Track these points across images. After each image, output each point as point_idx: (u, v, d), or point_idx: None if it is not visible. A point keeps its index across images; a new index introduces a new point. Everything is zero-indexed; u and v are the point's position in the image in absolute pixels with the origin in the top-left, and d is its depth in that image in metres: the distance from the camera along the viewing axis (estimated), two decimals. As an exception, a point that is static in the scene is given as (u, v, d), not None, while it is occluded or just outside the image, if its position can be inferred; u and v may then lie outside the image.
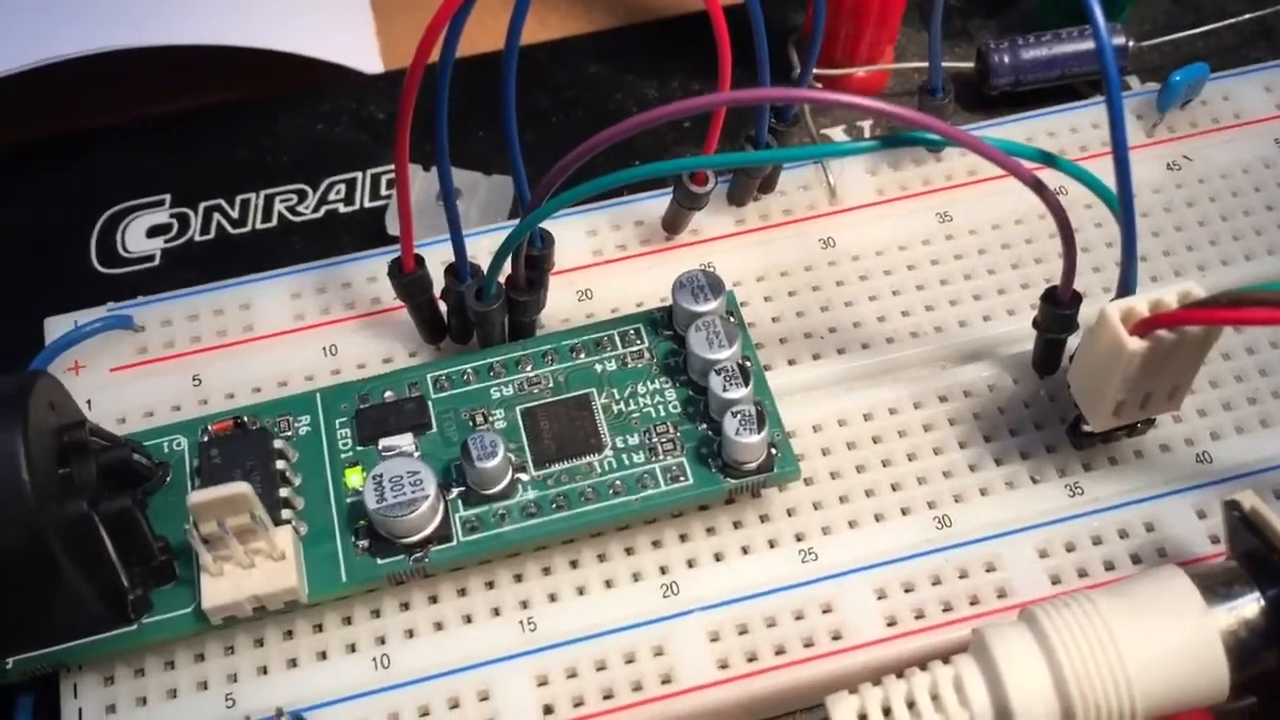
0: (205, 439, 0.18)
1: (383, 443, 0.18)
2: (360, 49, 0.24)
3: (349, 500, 0.17)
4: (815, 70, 0.22)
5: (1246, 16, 0.23)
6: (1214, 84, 0.22)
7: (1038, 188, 0.16)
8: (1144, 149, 0.21)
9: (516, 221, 0.17)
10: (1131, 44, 0.23)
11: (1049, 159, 0.16)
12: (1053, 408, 0.19)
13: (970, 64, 0.23)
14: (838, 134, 0.23)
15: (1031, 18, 0.24)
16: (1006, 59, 0.22)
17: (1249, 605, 0.15)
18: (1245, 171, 0.21)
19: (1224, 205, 0.21)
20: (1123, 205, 0.15)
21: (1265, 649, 0.15)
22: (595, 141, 0.15)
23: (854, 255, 0.20)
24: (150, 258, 0.22)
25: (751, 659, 0.17)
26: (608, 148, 0.16)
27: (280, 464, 0.17)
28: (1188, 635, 0.15)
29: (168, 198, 0.22)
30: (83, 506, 0.16)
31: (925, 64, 0.22)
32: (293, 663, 0.17)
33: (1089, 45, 0.22)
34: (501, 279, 0.18)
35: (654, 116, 0.15)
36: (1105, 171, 0.16)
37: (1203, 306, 0.16)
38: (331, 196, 0.22)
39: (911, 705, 0.16)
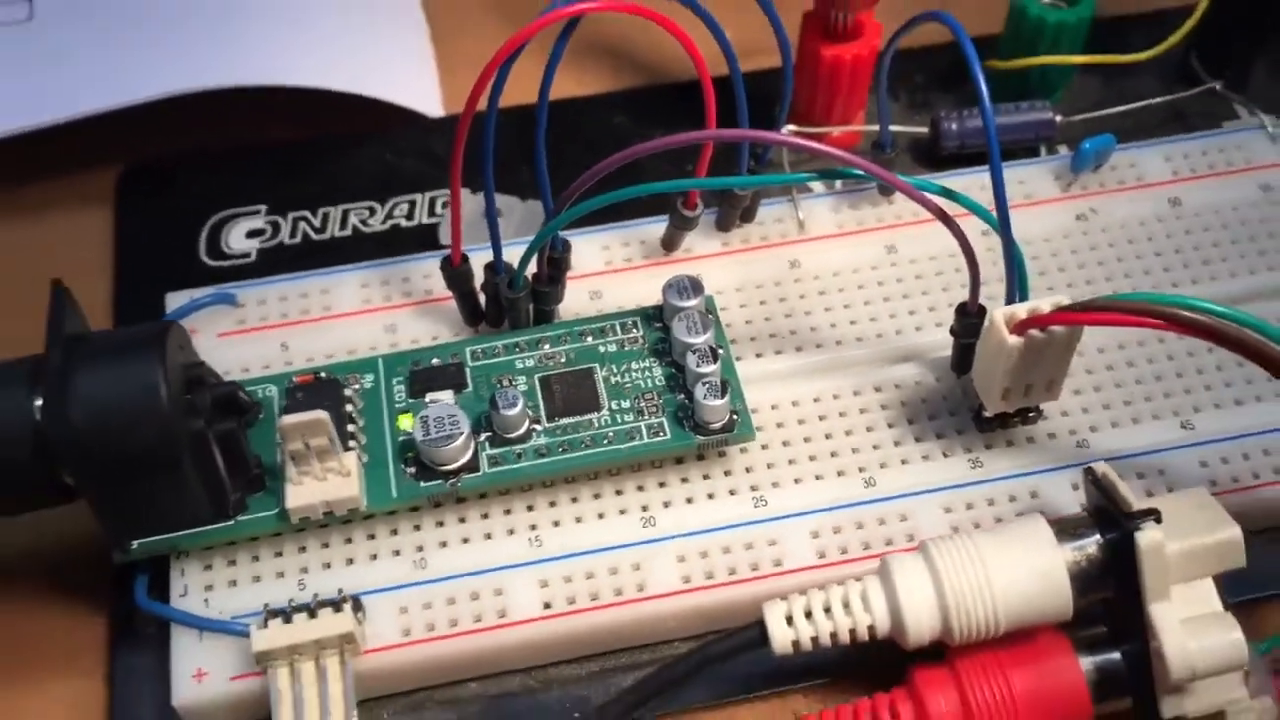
0: (291, 386, 0.22)
1: (429, 396, 0.22)
2: (425, 96, 0.29)
3: (400, 439, 0.22)
4: (797, 127, 0.27)
5: (1160, 100, 0.28)
6: (1122, 152, 0.26)
7: (941, 215, 0.20)
8: (1058, 202, 0.26)
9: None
10: (1059, 118, 0.27)
11: (949, 193, 0.21)
12: (963, 400, 0.23)
13: (926, 129, 0.28)
14: (816, 185, 0.27)
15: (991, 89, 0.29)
16: (954, 126, 0.27)
17: (1091, 545, 0.20)
18: (1141, 224, 0.26)
19: (1120, 250, 0.25)
20: (1003, 229, 0.20)
21: (1101, 579, 0.20)
22: (605, 164, 0.20)
23: (815, 275, 0.25)
24: (248, 255, 0.27)
25: (709, 577, 0.21)
26: (616, 171, 0.21)
27: (349, 408, 0.22)
28: (1041, 564, 0.20)
29: (263, 208, 0.27)
30: (201, 425, 0.20)
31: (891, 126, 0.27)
32: (350, 560, 0.22)
33: (1021, 118, 0.27)
34: (528, 274, 0.23)
35: (653, 146, 0.20)
36: (1023, 218, 0.21)
37: (1065, 310, 0.20)
38: (396, 213, 0.27)
39: (828, 610, 0.20)
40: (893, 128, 0.27)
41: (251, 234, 0.27)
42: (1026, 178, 0.26)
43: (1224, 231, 0.25)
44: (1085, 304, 0.20)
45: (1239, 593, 0.22)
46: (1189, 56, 0.29)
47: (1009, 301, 0.21)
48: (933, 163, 0.28)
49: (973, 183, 0.26)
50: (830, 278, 0.25)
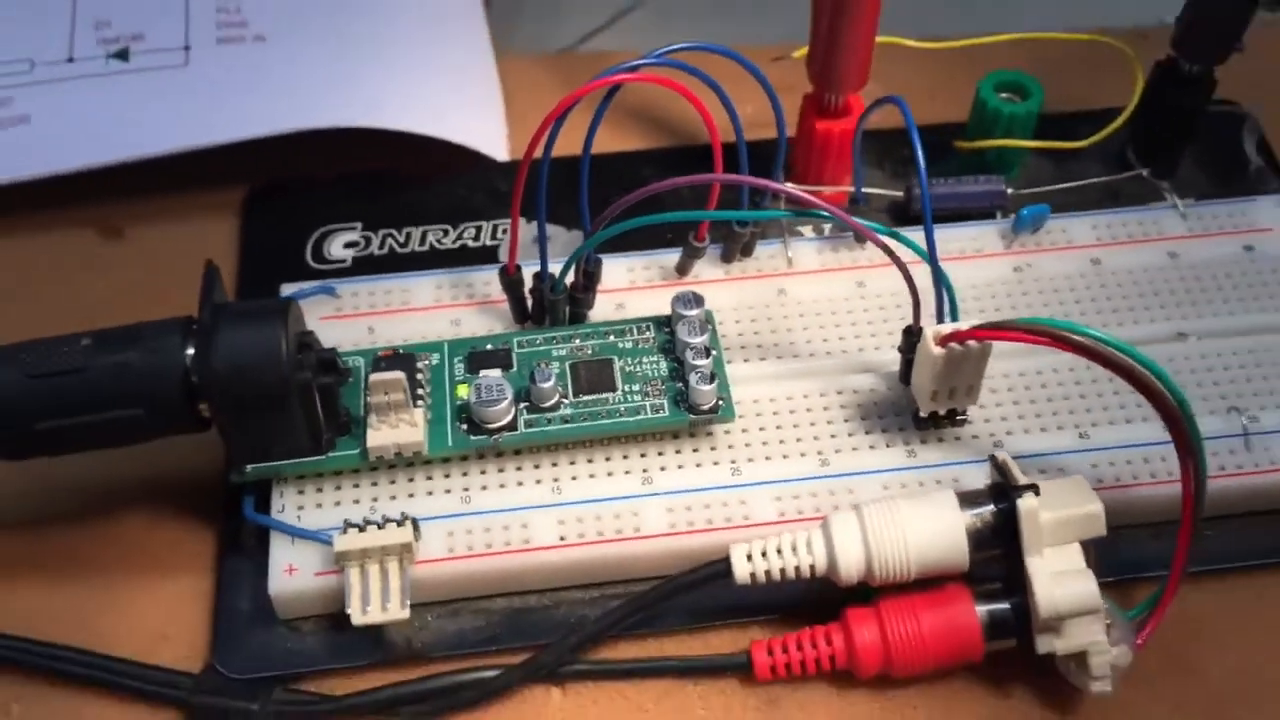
0: (377, 356, 0.29)
1: (482, 372, 0.28)
2: (493, 142, 0.35)
3: (457, 403, 0.28)
4: (794, 186, 0.33)
5: (1098, 180, 0.34)
6: (1055, 220, 0.32)
7: (886, 250, 0.26)
8: (1000, 256, 0.32)
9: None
10: (1011, 190, 0.33)
11: (893, 233, 0.27)
12: (906, 404, 0.29)
13: (901, 193, 0.34)
14: (807, 230, 0.33)
15: (955, 166, 0.35)
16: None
17: (986, 512, 0.25)
18: (1066, 278, 0.31)
19: (1047, 297, 0.31)
20: (931, 261, 0.26)
21: (993, 539, 0.25)
22: (631, 195, 0.27)
23: (798, 301, 0.31)
24: (344, 261, 0.33)
25: (691, 525, 0.27)
26: (643, 207, 0.27)
27: (419, 377, 0.28)
28: (945, 524, 0.25)
29: (359, 225, 0.34)
30: (307, 377, 0.26)
31: (870, 188, 0.33)
32: (411, 494, 0.27)
33: (977, 188, 0.33)
34: (566, 283, 0.29)
35: (669, 184, 0.26)
36: (972, 267, 0.27)
37: (977, 328, 0.26)
38: (465, 235, 0.34)
39: (779, 551, 0.26)
40: (876, 191, 0.33)
41: (348, 245, 0.34)
42: (978, 235, 0.32)
43: (1134, 288, 0.31)
44: (993, 324, 0.26)
45: (1121, 572, 0.27)
46: (1126, 147, 0.34)
47: (939, 322, 0.27)
48: (906, 220, 0.34)
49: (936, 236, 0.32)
50: (810, 304, 0.31)
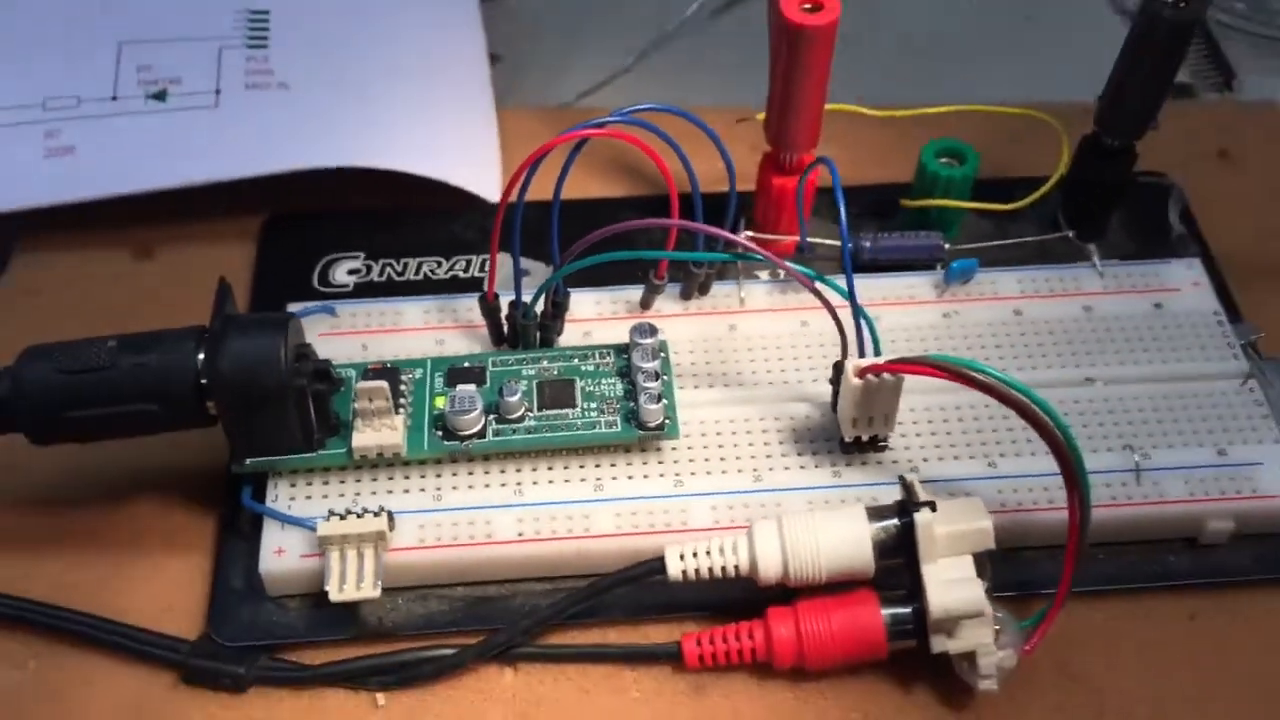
0: (367, 369, 0.32)
1: (458, 387, 0.32)
2: (487, 185, 0.39)
3: (435, 412, 0.32)
4: (754, 234, 0.37)
5: (1030, 239, 0.38)
6: (986, 273, 0.36)
7: (814, 290, 0.30)
8: (933, 304, 0.35)
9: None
10: (949, 246, 0.37)
11: (820, 277, 0.30)
12: (835, 431, 0.32)
13: (851, 244, 0.37)
14: (763, 274, 0.37)
15: (900, 222, 0.38)
16: (867, 244, 0.37)
17: (891, 525, 0.29)
18: (989, 324, 0.35)
19: (971, 341, 0.34)
20: (851, 299, 0.30)
21: (895, 549, 0.29)
22: (596, 233, 0.30)
23: (747, 337, 0.34)
24: (346, 285, 0.37)
25: (635, 527, 0.30)
26: (607, 243, 0.30)
27: (403, 388, 0.32)
28: (854, 535, 0.29)
29: (361, 254, 0.38)
30: (303, 383, 0.30)
31: (825, 239, 0.37)
32: (390, 491, 0.31)
33: (917, 242, 0.37)
34: (537, 310, 0.33)
35: (629, 226, 0.30)
36: (906, 313, 0.31)
37: (890, 362, 0.29)
38: (456, 268, 0.38)
39: (709, 553, 0.29)
40: (828, 242, 0.37)
41: (351, 271, 0.37)
42: (914, 284, 0.36)
43: (1049, 336, 0.35)
44: (904, 358, 0.29)
45: (1020, 589, 0.30)
46: (1058, 211, 0.38)
47: (861, 356, 0.31)
48: (855, 269, 0.37)
49: (874, 285, 0.35)
50: (758, 339, 0.34)
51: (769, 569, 0.29)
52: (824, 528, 0.29)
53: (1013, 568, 0.31)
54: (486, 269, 0.37)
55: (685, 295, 0.35)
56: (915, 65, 0.48)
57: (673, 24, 0.49)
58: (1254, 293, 0.37)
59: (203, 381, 0.29)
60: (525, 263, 0.34)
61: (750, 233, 0.37)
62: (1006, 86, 0.42)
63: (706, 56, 0.48)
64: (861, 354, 0.31)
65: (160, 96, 0.39)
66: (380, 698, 0.30)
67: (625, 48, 0.48)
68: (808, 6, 0.32)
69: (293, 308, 0.35)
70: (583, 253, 0.31)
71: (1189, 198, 0.39)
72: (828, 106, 0.35)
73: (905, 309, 0.35)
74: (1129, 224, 0.38)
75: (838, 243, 0.37)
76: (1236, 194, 0.40)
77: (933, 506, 0.28)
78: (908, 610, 0.29)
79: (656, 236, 0.36)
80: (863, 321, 0.30)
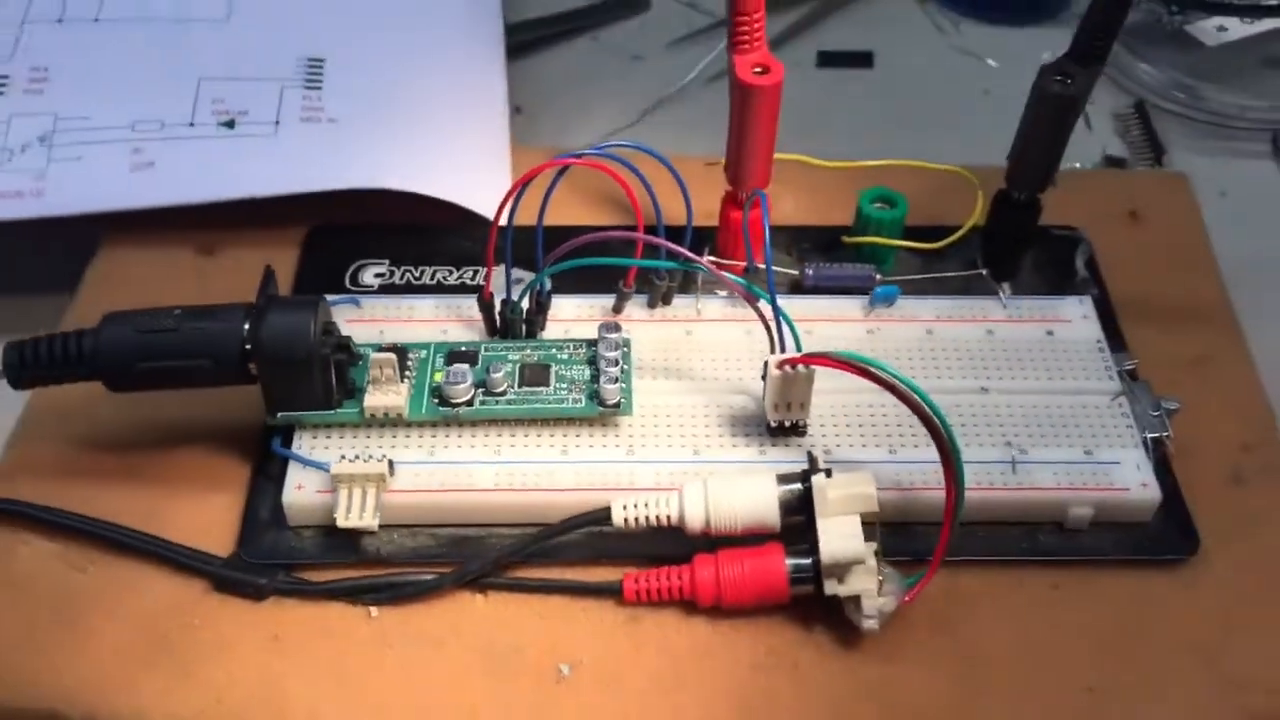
0: (380, 347, 0.39)
1: (454, 365, 0.39)
2: (495, 208, 0.46)
3: (433, 384, 0.39)
4: (715, 259, 0.44)
5: (952, 274, 0.44)
6: (906, 300, 0.42)
7: (745, 297, 0.37)
8: (859, 322, 0.42)
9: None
10: (880, 277, 0.43)
11: (748, 285, 0.37)
12: (764, 418, 0.39)
13: (797, 271, 0.44)
14: (722, 291, 0.44)
15: (841, 256, 0.45)
16: (810, 272, 0.43)
17: (796, 487, 0.35)
18: (905, 341, 0.41)
19: (890, 353, 0.41)
20: (773, 304, 0.36)
21: (798, 508, 0.35)
22: (573, 241, 0.37)
23: (700, 341, 0.41)
24: (372, 286, 0.44)
25: (590, 485, 0.37)
26: (585, 253, 0.37)
27: (409, 364, 0.39)
28: (764, 494, 0.35)
29: (386, 261, 0.45)
30: (327, 352, 0.37)
31: (777, 268, 0.43)
32: (393, 445, 0.38)
33: (852, 272, 0.43)
34: (524, 307, 0.40)
35: (601, 237, 0.37)
36: (836, 329, 0.38)
37: (801, 356, 0.36)
38: (465, 275, 0.44)
39: (646, 505, 0.36)
40: (780, 270, 0.44)
41: (377, 275, 0.45)
42: (846, 306, 0.42)
43: (955, 353, 0.41)
44: (813, 353, 0.36)
45: (913, 555, 0.36)
46: (977, 253, 0.44)
47: (783, 352, 0.37)
48: (800, 292, 0.44)
49: (813, 303, 0.42)
50: (710, 344, 0.41)
51: (694, 520, 0.35)
52: (740, 488, 0.35)
53: (905, 539, 0.37)
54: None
55: (651, 304, 0.42)
56: (883, 129, 0.55)
57: (674, 88, 0.56)
58: (1140, 330, 0.43)
59: (247, 346, 0.36)
60: (517, 271, 0.41)
61: (711, 257, 0.43)
62: (929, 148, 0.48)
63: (701, 116, 0.55)
64: (783, 350, 0.37)
65: (229, 124, 0.47)
66: (373, 610, 0.36)
67: (631, 106, 0.56)
68: (758, 70, 0.39)
69: (328, 299, 0.42)
70: (562, 257, 0.38)
71: (1096, 249, 0.45)
72: (784, 156, 0.42)
73: (836, 325, 0.42)
74: (1042, 267, 0.45)
75: (790, 271, 0.44)
76: (1138, 248, 0.46)
77: (828, 473, 0.35)
78: (808, 561, 0.35)
79: (627, 253, 0.43)
80: (785, 325, 0.37)
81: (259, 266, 0.38)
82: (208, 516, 0.38)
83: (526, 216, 0.39)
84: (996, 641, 0.36)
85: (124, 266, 0.45)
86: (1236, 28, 0.57)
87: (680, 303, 0.42)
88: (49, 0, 0.50)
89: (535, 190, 0.38)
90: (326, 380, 0.37)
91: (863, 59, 0.59)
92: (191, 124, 0.47)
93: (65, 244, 0.45)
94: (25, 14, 0.50)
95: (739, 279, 0.37)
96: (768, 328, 0.37)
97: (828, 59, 0.59)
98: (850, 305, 0.42)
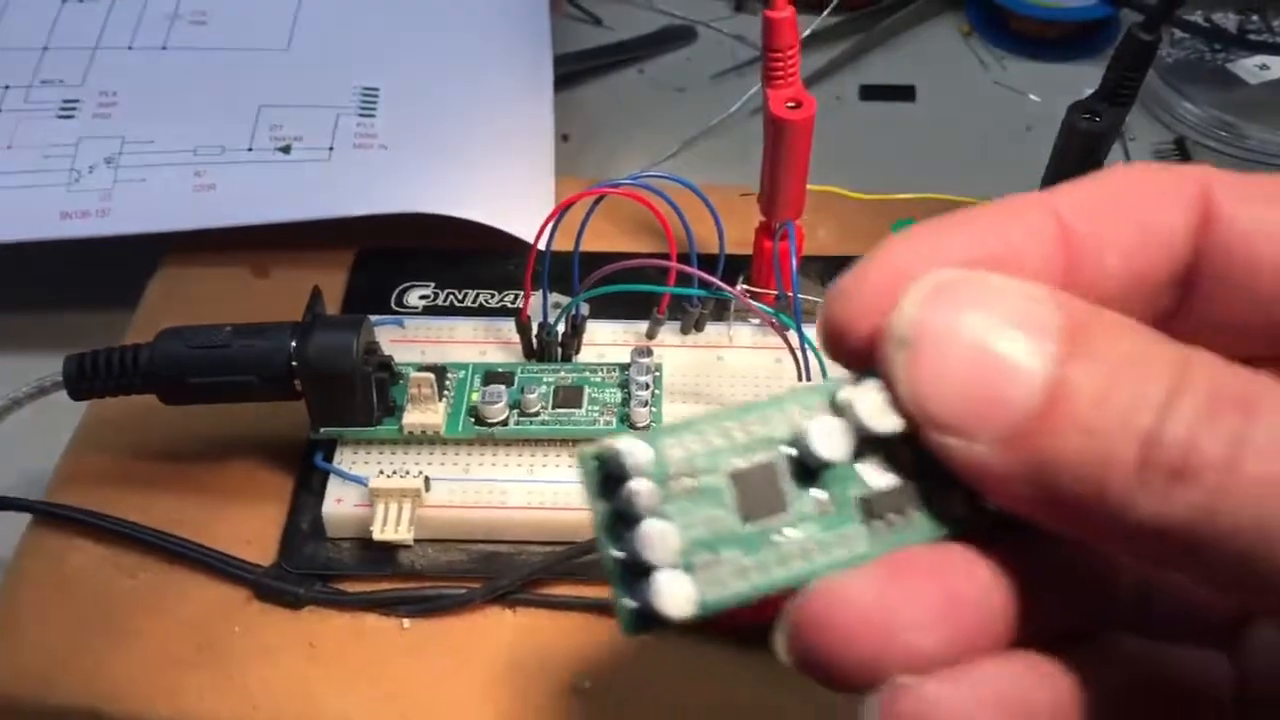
0: (420, 367, 0.41)
1: (491, 385, 0.40)
2: (534, 230, 0.48)
3: (470, 404, 0.40)
4: (749, 287, 0.45)
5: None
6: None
7: (777, 328, 0.38)
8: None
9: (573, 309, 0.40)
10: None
11: (786, 321, 0.38)
12: (791, 444, 0.40)
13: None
14: (754, 320, 0.45)
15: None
16: (843, 301, 0.44)
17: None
18: (934, 372, 0.42)
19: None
20: (799, 332, 0.37)
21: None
22: (608, 268, 0.38)
23: (731, 367, 0.42)
24: (417, 307, 0.46)
25: (618, 505, 0.38)
26: (619, 279, 0.39)
27: (447, 383, 0.40)
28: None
29: (432, 284, 0.46)
30: (369, 370, 0.38)
31: (809, 296, 0.44)
32: (430, 462, 0.39)
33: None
34: (559, 330, 0.41)
35: (635, 264, 0.38)
36: None
37: (826, 386, 0.37)
38: (506, 299, 0.46)
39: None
40: (811, 299, 0.45)
41: (422, 297, 0.46)
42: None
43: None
44: (837, 384, 0.37)
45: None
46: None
47: (808, 380, 0.38)
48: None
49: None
50: (739, 369, 0.42)
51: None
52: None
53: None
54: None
55: (684, 330, 0.43)
56: (924, 163, 0.55)
57: (716, 120, 0.57)
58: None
59: (293, 363, 0.38)
60: (555, 296, 0.42)
61: (745, 285, 0.45)
62: (996, 184, 0.48)
63: (742, 147, 0.56)
64: (809, 379, 0.38)
65: (286, 150, 0.49)
66: (405, 622, 0.37)
67: (674, 137, 0.57)
68: (791, 104, 0.40)
69: (371, 319, 0.44)
70: (597, 283, 0.39)
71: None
72: (817, 188, 0.43)
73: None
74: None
75: (809, 297, 0.44)
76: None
77: (848, 498, 0.35)
78: (828, 584, 0.36)
79: (661, 280, 0.44)
80: (811, 354, 0.38)
81: (310, 287, 0.40)
82: (252, 526, 0.40)
83: (565, 243, 0.40)
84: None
85: (183, 285, 0.47)
86: (1279, 66, 0.57)
87: (712, 330, 0.43)
88: (120, 28, 0.53)
89: (575, 217, 0.40)
90: (367, 397, 0.39)
91: (905, 93, 0.60)
92: (250, 149, 0.49)
93: (128, 262, 0.47)
94: (98, 40, 0.52)
95: (767, 308, 0.38)
96: (792, 353, 0.38)
97: (870, 92, 0.60)
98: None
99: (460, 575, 0.38)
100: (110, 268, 0.48)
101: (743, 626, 0.36)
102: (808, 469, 0.19)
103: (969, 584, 0.19)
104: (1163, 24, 0.38)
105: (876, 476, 0.19)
